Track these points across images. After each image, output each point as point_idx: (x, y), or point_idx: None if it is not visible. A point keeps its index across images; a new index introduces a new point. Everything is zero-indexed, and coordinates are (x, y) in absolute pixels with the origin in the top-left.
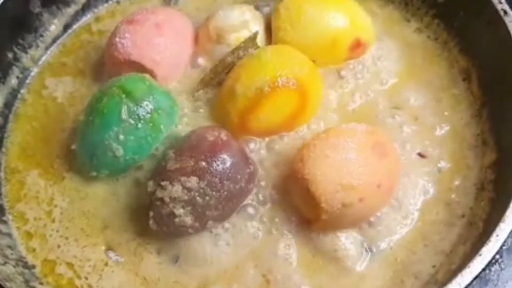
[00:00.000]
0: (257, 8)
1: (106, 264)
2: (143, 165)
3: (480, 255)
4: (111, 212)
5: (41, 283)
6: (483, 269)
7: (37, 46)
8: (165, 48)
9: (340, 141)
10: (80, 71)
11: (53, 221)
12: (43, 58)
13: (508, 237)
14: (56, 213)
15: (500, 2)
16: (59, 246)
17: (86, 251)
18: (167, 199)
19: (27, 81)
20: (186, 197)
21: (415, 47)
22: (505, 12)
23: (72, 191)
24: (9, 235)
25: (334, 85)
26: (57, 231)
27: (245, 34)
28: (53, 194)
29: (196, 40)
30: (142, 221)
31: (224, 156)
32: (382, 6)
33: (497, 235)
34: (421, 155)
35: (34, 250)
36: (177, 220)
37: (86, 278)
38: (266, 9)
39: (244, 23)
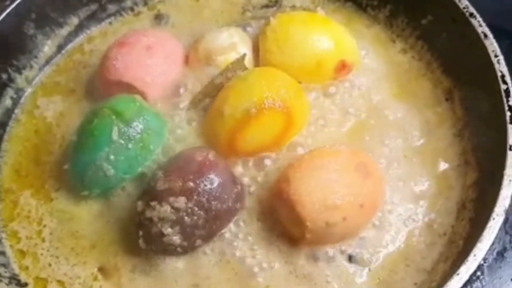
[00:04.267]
0: (244, 29)
1: (95, 279)
2: (133, 184)
3: (458, 274)
4: (100, 232)
5: None
6: (463, 287)
7: (31, 66)
8: (156, 70)
9: (324, 162)
10: (71, 90)
11: (43, 240)
12: (37, 79)
13: (488, 254)
14: (45, 233)
15: (481, 26)
16: (50, 265)
17: (76, 269)
18: (155, 219)
19: (21, 101)
20: (174, 217)
21: (400, 67)
22: (485, 35)
23: (59, 212)
24: (3, 253)
25: (320, 105)
26: (48, 250)
27: (233, 56)
28: (42, 214)
29: (186, 61)
30: (132, 240)
31: (212, 176)
32: (369, 26)
33: (475, 255)
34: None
35: (27, 268)
36: (165, 239)
37: None
38: (254, 31)
39: (233, 45)
